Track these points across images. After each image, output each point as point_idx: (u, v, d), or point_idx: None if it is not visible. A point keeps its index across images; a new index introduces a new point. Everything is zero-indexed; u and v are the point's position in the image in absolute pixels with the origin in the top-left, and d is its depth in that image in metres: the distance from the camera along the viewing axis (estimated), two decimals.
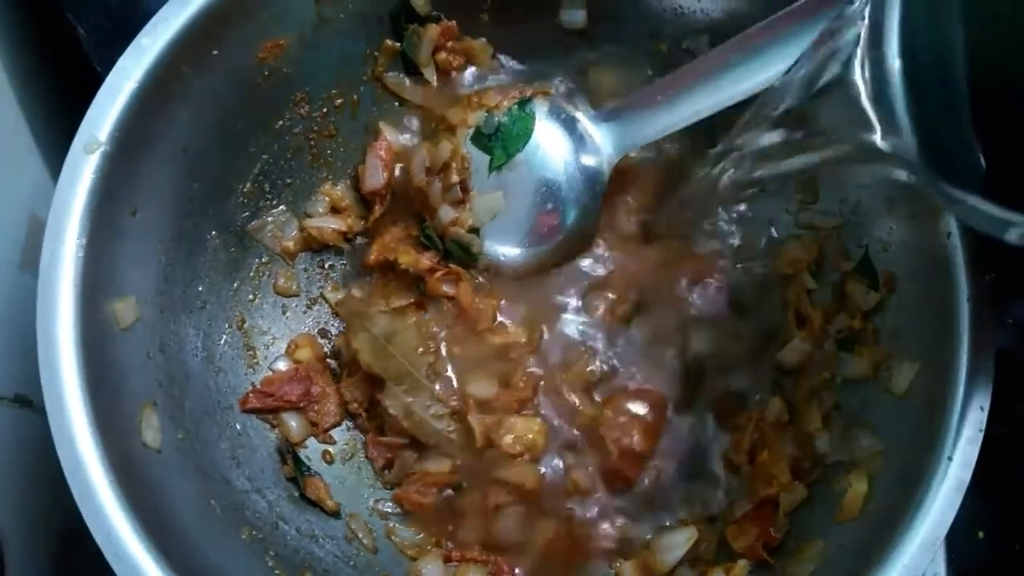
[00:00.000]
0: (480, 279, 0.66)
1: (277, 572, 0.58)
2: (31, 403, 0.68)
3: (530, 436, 0.62)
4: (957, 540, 0.71)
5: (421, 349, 0.63)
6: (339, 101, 0.70)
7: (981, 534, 0.75)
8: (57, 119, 0.75)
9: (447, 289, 0.65)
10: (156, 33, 0.57)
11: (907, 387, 0.57)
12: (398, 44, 0.69)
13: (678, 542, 0.61)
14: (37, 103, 0.73)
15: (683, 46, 0.68)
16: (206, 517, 0.57)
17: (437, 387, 0.63)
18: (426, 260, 0.66)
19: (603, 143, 0.65)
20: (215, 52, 0.60)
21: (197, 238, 0.64)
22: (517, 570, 0.62)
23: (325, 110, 0.69)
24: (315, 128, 0.69)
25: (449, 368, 0.64)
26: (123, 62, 0.56)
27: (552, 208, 0.65)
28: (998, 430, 0.54)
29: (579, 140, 0.65)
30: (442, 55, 0.69)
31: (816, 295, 0.65)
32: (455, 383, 0.64)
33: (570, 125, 0.66)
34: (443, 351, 0.64)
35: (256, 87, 0.64)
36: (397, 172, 0.67)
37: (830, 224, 0.64)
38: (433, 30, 0.68)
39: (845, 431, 0.60)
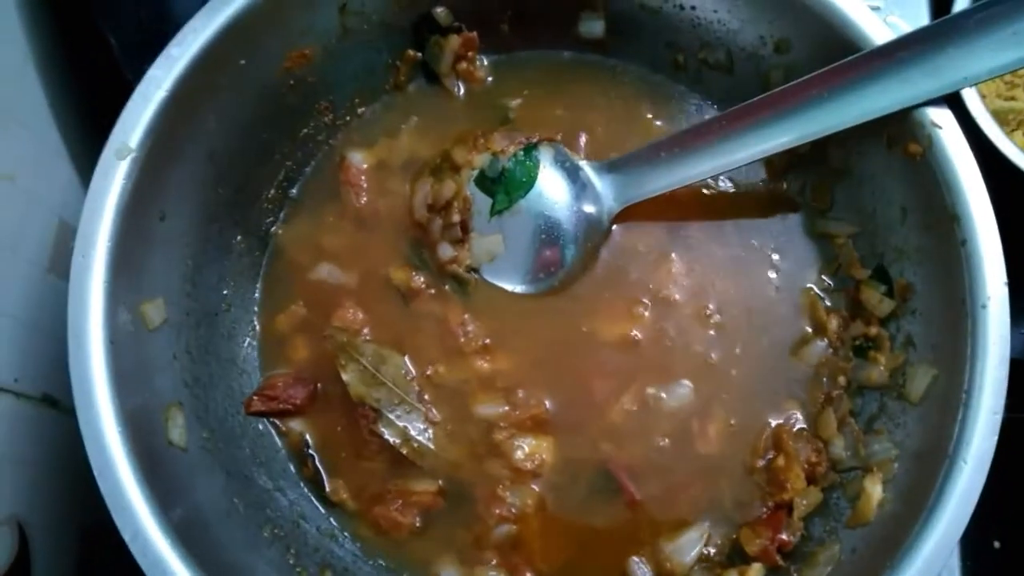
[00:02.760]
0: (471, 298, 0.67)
1: (298, 570, 0.59)
2: (57, 403, 0.69)
3: (542, 455, 0.63)
4: (973, 549, 0.71)
5: (411, 375, 0.64)
6: (362, 110, 0.71)
7: (997, 543, 0.75)
8: (87, 126, 0.76)
9: (435, 309, 0.66)
10: (185, 43, 0.58)
11: (922, 393, 0.57)
12: (419, 54, 0.70)
13: (692, 540, 0.61)
14: (68, 110, 0.75)
15: (700, 57, 0.69)
16: (229, 514, 0.58)
17: (433, 411, 0.64)
18: (418, 280, 0.66)
19: (604, 194, 0.66)
20: (242, 62, 0.62)
21: (223, 242, 0.66)
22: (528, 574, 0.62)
23: (348, 118, 0.71)
24: (338, 136, 0.71)
25: (442, 391, 0.64)
26: (153, 71, 0.58)
27: (551, 249, 0.66)
28: (1014, 440, 0.54)
29: (581, 188, 0.66)
30: (463, 65, 0.71)
31: (832, 302, 0.65)
32: (449, 404, 0.64)
33: (573, 173, 0.67)
34: (431, 373, 0.65)
35: (282, 96, 0.66)
36: (364, 199, 0.68)
37: (845, 232, 0.65)
38: (454, 41, 0.69)
39: (860, 436, 0.60)
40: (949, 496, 0.51)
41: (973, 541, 0.71)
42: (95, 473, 0.52)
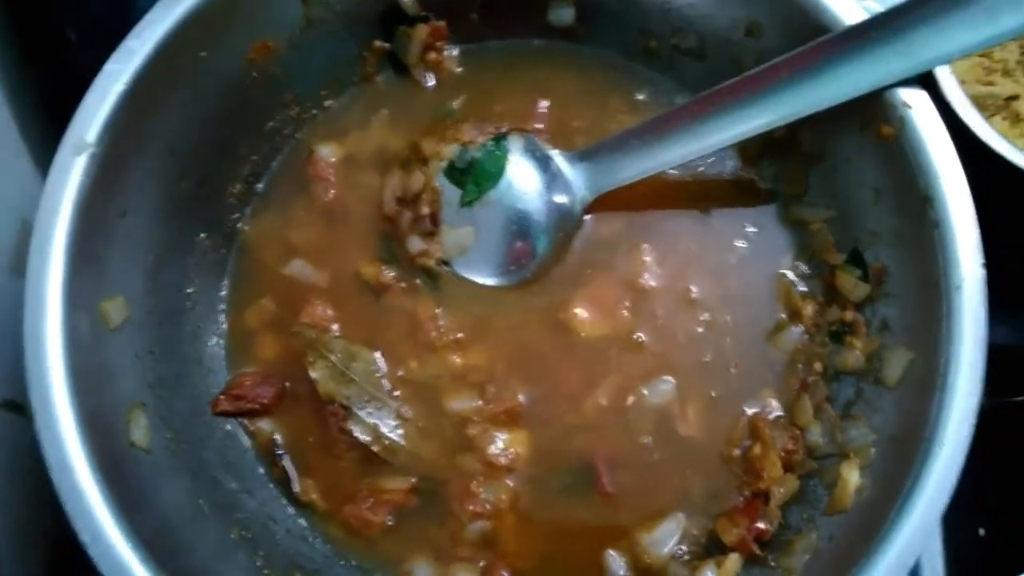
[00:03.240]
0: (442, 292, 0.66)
1: (267, 572, 0.58)
2: (21, 408, 0.68)
3: (516, 448, 0.62)
4: (957, 537, 0.71)
5: (381, 372, 0.63)
6: (329, 102, 0.70)
7: (981, 531, 0.75)
8: (47, 123, 0.75)
9: (406, 303, 0.65)
10: (144, 36, 0.57)
11: (899, 377, 0.56)
12: (387, 45, 0.69)
13: (668, 531, 0.60)
14: (27, 107, 0.74)
15: (672, 42, 0.68)
16: (195, 517, 0.57)
17: (404, 408, 0.63)
18: (388, 275, 0.65)
19: (576, 183, 0.65)
20: (203, 54, 0.60)
21: (186, 239, 0.64)
22: (504, 573, 0.61)
23: (315, 111, 0.70)
24: (305, 129, 0.69)
25: (413, 387, 0.63)
26: (111, 65, 0.56)
27: (523, 240, 0.65)
28: (999, 426, 0.53)
29: (552, 178, 0.65)
30: (432, 55, 0.70)
31: (807, 288, 0.65)
32: (421, 400, 0.63)
33: (544, 163, 0.66)
34: (402, 369, 0.64)
35: (245, 89, 0.64)
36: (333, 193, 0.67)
37: (820, 217, 0.64)
38: (422, 31, 0.68)
39: (837, 422, 0.59)
40: (926, 480, 0.50)
41: (957, 528, 0.71)
42: (52, 476, 0.50)
